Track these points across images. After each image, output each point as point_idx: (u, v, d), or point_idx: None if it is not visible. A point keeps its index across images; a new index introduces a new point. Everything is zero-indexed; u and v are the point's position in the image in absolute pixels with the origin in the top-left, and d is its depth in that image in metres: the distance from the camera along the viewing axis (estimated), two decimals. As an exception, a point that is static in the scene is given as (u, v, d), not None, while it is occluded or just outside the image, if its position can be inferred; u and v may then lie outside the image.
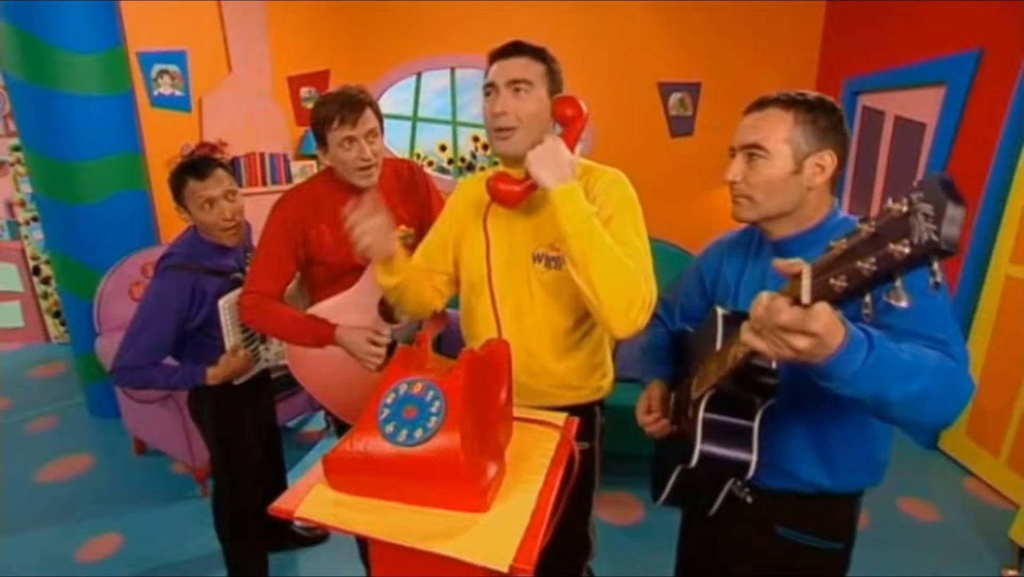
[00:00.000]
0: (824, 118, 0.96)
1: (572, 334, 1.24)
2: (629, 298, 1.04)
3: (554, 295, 1.20)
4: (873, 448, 1.03)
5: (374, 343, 1.44)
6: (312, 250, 1.51)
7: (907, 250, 0.50)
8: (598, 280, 1.03)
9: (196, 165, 1.54)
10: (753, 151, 0.97)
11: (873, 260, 0.53)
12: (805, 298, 0.61)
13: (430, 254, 1.34)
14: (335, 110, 1.38)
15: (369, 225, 1.13)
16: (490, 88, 1.16)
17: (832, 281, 0.58)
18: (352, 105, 1.38)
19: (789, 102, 0.97)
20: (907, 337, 0.81)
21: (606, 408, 1.39)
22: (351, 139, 1.40)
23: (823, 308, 0.62)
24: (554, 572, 1.40)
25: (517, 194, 1.14)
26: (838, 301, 0.61)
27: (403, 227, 1.56)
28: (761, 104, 0.99)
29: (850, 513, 1.08)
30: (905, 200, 0.51)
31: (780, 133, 0.96)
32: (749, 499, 1.10)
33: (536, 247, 1.20)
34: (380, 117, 1.47)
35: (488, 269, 1.24)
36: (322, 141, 1.44)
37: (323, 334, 1.49)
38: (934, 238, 0.48)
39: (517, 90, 1.13)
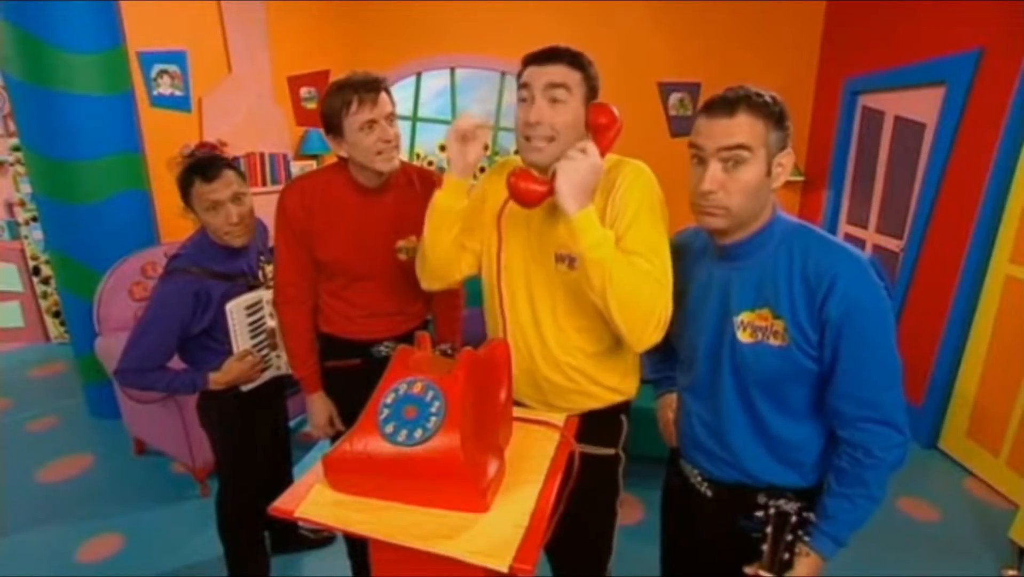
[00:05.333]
0: (784, 117, 0.95)
1: (602, 335, 1.19)
2: (645, 319, 1.04)
3: (580, 297, 1.13)
4: (821, 444, 1.04)
5: (331, 423, 1.58)
6: (313, 246, 1.44)
7: (790, 536, 0.97)
8: (614, 304, 1.02)
9: (204, 166, 1.49)
10: (739, 152, 0.92)
11: (788, 536, 0.97)
12: None
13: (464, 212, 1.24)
14: (351, 93, 1.31)
15: (473, 129, 1.12)
16: (524, 91, 1.10)
17: (785, 558, 0.97)
18: (369, 86, 1.32)
19: (760, 104, 0.93)
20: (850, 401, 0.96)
21: None
22: (372, 122, 1.32)
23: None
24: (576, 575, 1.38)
25: (540, 195, 1.06)
26: (791, 559, 0.98)
27: (413, 237, 1.44)
28: (730, 107, 0.93)
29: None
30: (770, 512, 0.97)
31: (757, 134, 0.93)
32: (709, 493, 1.14)
33: (558, 247, 1.14)
34: (393, 102, 1.40)
35: (498, 270, 1.19)
36: (337, 130, 1.35)
37: (304, 377, 1.55)
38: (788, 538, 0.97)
39: (554, 100, 1.07)
